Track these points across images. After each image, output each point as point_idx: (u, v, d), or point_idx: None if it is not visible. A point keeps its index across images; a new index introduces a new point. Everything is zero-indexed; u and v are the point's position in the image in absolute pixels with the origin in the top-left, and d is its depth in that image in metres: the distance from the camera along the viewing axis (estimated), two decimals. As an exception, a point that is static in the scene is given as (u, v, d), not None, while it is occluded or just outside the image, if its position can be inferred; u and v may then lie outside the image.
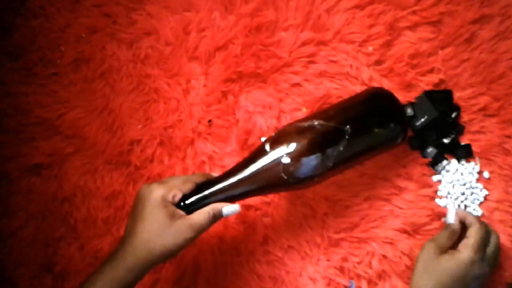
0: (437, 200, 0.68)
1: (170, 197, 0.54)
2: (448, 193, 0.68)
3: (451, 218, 0.63)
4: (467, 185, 0.68)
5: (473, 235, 0.59)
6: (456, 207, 0.67)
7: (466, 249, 0.58)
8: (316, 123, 0.57)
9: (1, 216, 0.71)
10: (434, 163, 0.68)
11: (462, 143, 0.69)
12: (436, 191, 0.69)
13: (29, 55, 0.73)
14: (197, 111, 0.71)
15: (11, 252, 0.70)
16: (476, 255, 0.58)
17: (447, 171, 0.69)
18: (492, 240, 0.62)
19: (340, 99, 0.67)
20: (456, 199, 0.68)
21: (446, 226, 0.63)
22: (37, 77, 0.73)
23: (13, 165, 0.71)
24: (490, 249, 0.61)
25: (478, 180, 0.69)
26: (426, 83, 0.69)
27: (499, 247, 0.63)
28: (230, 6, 0.72)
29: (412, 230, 0.67)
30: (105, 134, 0.71)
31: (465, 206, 0.68)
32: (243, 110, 0.71)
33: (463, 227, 0.63)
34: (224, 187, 0.56)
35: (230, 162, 0.70)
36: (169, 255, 0.53)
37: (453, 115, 0.69)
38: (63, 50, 0.73)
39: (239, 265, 0.68)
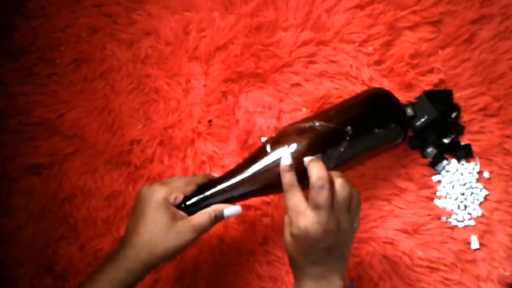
0: (436, 201, 0.68)
1: (172, 199, 0.54)
2: (448, 193, 0.68)
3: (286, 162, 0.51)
4: (467, 185, 0.68)
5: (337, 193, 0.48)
6: (457, 204, 0.68)
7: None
8: (316, 124, 0.57)
9: (1, 216, 0.71)
10: (434, 163, 0.69)
11: (462, 143, 0.69)
12: (436, 192, 0.69)
13: (29, 55, 0.73)
14: (197, 111, 0.71)
15: (11, 252, 0.70)
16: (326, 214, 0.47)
17: (447, 171, 0.69)
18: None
19: (340, 99, 0.67)
20: (456, 199, 0.68)
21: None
22: (37, 77, 0.73)
23: (13, 165, 0.71)
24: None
25: (478, 180, 0.69)
26: (426, 83, 0.70)
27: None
28: (230, 6, 0.72)
29: (413, 230, 0.68)
30: (105, 134, 0.71)
31: (465, 206, 0.68)
32: (243, 110, 0.71)
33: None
34: (225, 188, 0.56)
35: (230, 162, 0.70)
36: (171, 256, 0.52)
37: (453, 115, 0.69)
38: (63, 50, 0.73)
39: (239, 265, 0.68)
